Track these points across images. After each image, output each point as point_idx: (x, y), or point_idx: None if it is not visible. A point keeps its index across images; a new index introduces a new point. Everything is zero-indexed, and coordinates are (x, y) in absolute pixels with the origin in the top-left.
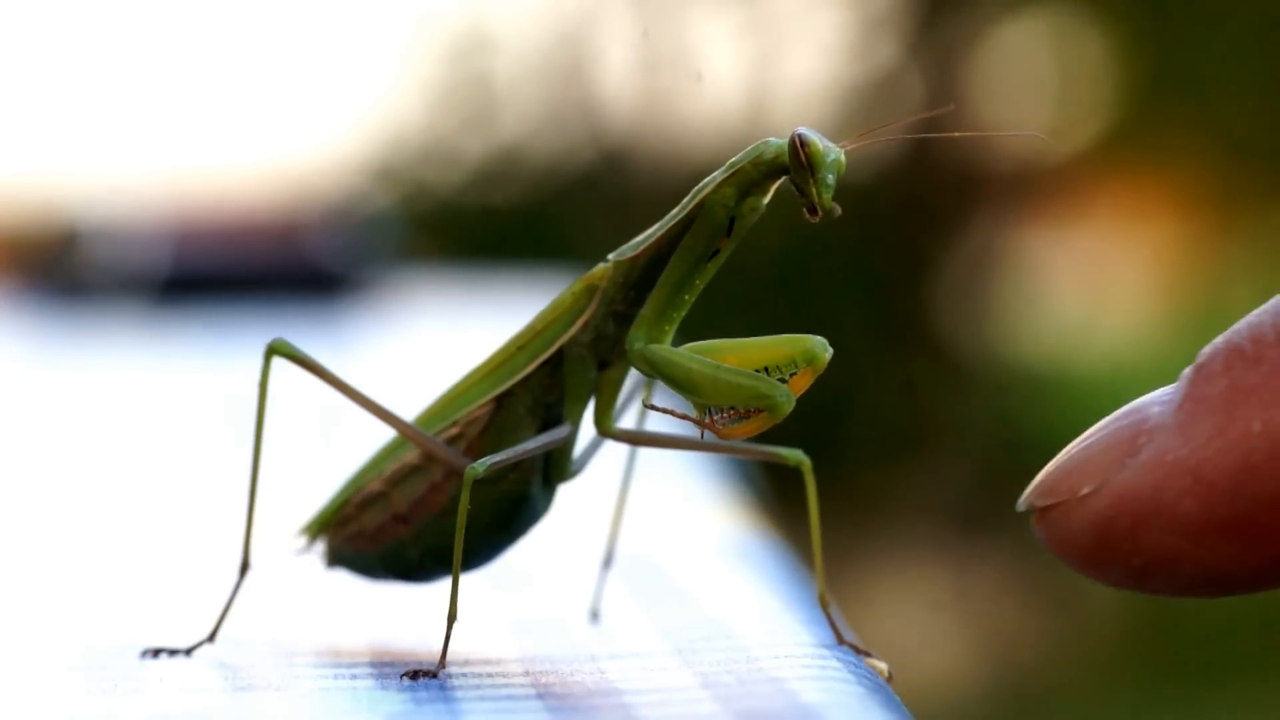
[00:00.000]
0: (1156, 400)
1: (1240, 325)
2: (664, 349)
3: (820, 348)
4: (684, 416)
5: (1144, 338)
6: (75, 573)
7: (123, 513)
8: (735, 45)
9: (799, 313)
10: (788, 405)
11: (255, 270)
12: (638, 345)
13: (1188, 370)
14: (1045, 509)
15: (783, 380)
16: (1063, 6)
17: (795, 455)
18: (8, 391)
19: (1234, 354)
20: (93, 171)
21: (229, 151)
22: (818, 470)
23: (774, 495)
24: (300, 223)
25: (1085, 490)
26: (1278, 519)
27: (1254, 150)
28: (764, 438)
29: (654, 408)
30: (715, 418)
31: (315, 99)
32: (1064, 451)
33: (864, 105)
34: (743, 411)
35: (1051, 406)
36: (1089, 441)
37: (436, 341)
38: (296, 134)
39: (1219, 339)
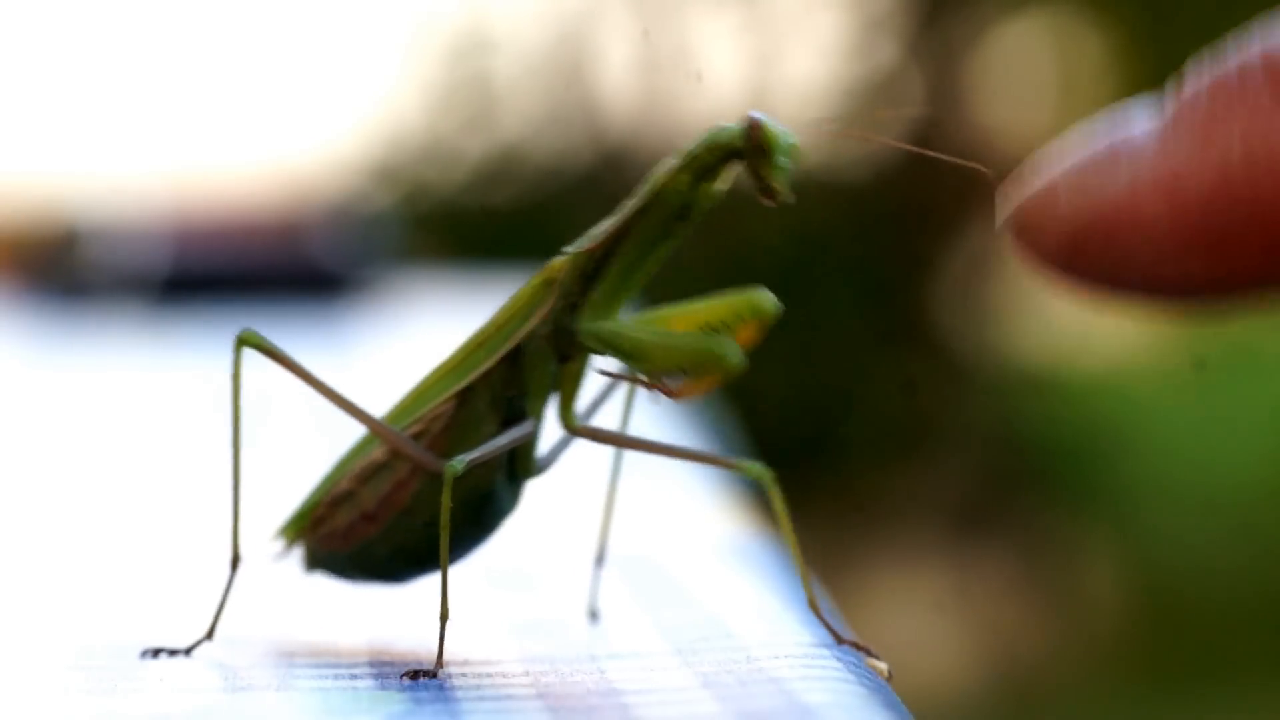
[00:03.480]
0: (1139, 116)
1: (1229, 47)
2: (611, 323)
3: (766, 299)
4: (635, 380)
5: (1144, 338)
6: (75, 572)
7: (122, 512)
8: (735, 45)
9: (799, 313)
10: (737, 360)
11: (255, 270)
12: (586, 327)
13: (1174, 88)
14: (1023, 221)
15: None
16: (1063, 6)
17: (755, 468)
18: (8, 391)
19: (1219, 74)
20: (93, 171)
21: (229, 151)
22: (818, 470)
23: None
24: (300, 223)
25: (1062, 202)
26: (1250, 239)
27: None
28: (755, 436)
29: (606, 373)
30: (669, 381)
31: (315, 99)
32: (1043, 163)
33: (864, 105)
34: (692, 371)
35: (1051, 406)
36: (1070, 154)
37: (437, 341)
38: (296, 134)
39: (1207, 59)
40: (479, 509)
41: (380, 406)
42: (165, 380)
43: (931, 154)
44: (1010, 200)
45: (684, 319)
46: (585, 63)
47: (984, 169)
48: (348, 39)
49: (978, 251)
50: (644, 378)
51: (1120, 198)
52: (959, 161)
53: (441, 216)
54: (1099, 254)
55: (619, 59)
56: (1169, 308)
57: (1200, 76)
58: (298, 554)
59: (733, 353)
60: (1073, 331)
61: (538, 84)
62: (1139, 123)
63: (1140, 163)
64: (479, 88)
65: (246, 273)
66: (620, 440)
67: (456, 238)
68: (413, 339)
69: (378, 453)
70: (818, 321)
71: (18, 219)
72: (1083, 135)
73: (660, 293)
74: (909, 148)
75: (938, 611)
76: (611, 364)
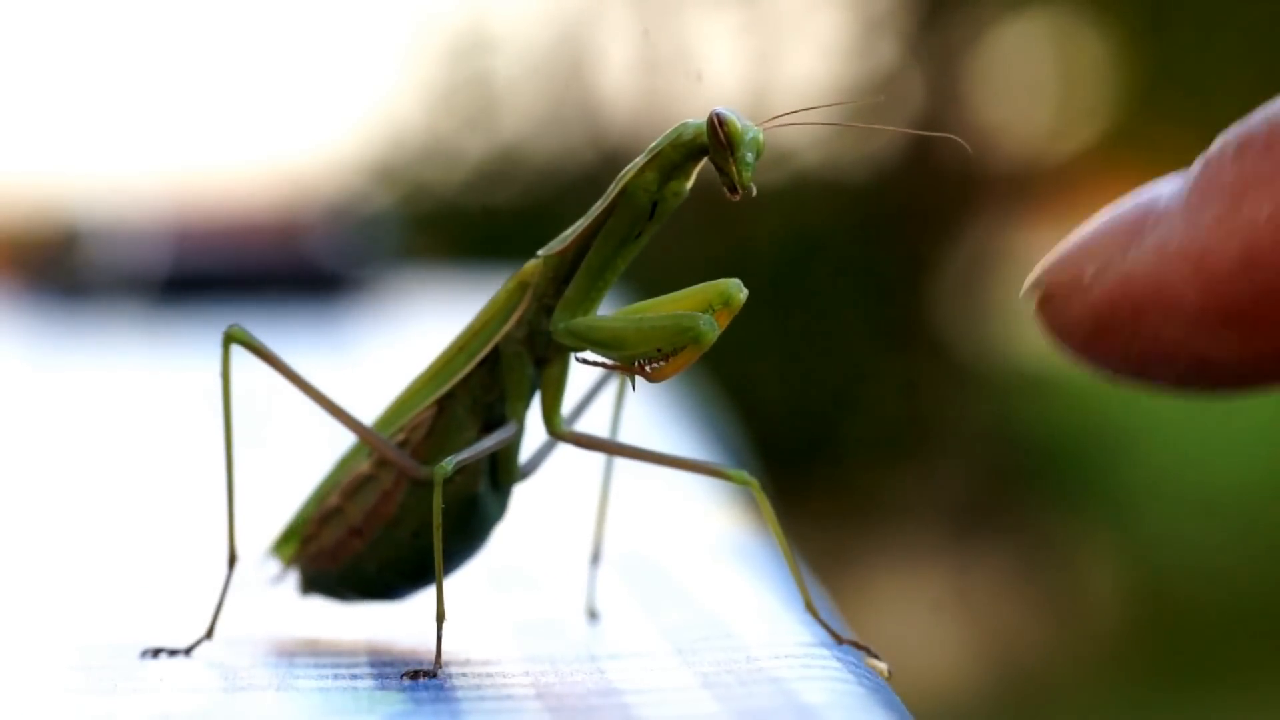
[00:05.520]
0: (1165, 187)
1: (1255, 115)
2: (586, 318)
3: (735, 288)
4: (614, 366)
5: None
6: (75, 572)
7: (122, 512)
8: (735, 45)
9: (799, 313)
10: (711, 333)
11: (255, 270)
12: (561, 325)
13: (1199, 158)
14: (1047, 294)
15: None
16: (1063, 6)
17: (742, 475)
18: (8, 391)
19: (1246, 143)
20: (93, 171)
21: (229, 151)
22: (818, 471)
23: (773, 494)
24: (300, 223)
25: (1088, 276)
26: (1278, 311)
27: None
28: (756, 436)
29: (586, 360)
30: (646, 364)
31: (315, 99)
32: (1069, 237)
33: (864, 105)
34: (668, 350)
35: (1051, 406)
36: (1094, 227)
37: (436, 342)
38: (296, 134)
39: (1232, 128)
40: (464, 516)
41: (376, 409)
42: (165, 380)
43: (908, 131)
44: (1035, 269)
45: (655, 310)
46: (585, 63)
47: (961, 141)
48: (348, 38)
49: (978, 251)
50: (622, 364)
51: (1147, 269)
52: (934, 134)
53: (441, 216)
54: (1125, 332)
55: (619, 59)
56: (1200, 393)
57: (1226, 143)
58: (293, 576)
59: (707, 325)
60: None
61: (538, 84)
62: (1165, 190)
63: (1166, 231)
64: (479, 88)
65: (246, 273)
66: (605, 446)
67: (456, 238)
68: (412, 339)
69: (363, 465)
70: (818, 321)
71: (18, 219)
72: (1110, 206)
73: (659, 293)
74: (889, 128)
75: (938, 611)
76: (591, 356)
